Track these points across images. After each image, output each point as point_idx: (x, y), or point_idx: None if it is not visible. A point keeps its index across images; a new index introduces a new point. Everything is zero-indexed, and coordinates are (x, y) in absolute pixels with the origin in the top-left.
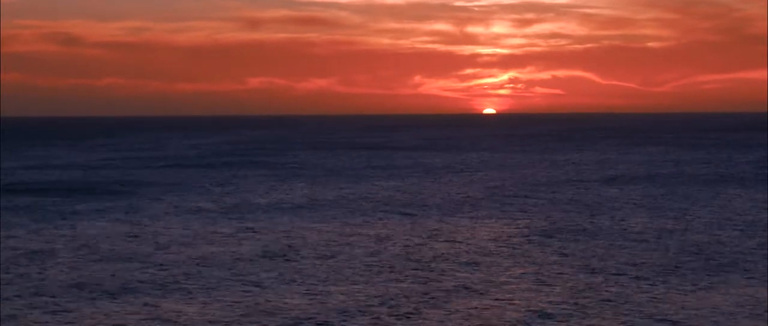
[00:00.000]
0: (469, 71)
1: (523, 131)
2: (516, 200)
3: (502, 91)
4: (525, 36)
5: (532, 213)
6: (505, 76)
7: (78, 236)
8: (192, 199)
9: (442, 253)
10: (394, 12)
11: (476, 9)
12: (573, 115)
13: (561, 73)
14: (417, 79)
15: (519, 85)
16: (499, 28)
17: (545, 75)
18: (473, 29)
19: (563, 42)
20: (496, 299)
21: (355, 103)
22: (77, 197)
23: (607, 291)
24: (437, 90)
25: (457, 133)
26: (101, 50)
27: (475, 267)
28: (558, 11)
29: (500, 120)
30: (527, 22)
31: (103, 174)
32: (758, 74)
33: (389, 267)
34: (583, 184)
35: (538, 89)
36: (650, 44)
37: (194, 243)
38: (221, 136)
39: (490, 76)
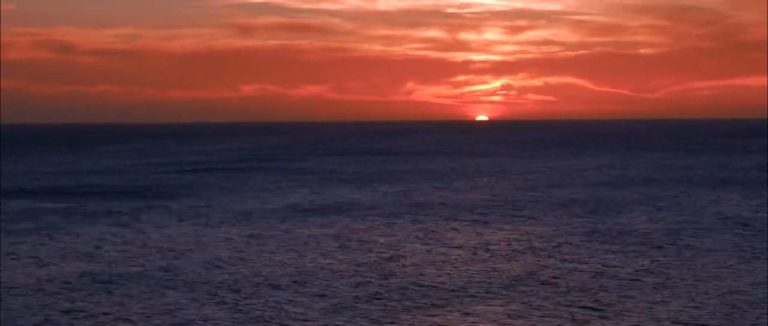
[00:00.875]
0: (461, 78)
1: (525, 137)
2: (551, 203)
3: (494, 98)
4: (517, 43)
5: (560, 215)
6: (497, 83)
7: (150, 239)
8: (241, 203)
9: (505, 255)
10: (386, 19)
11: (468, 16)
12: (566, 121)
13: (553, 79)
14: (409, 85)
15: (511, 92)
16: (491, 34)
17: (538, 81)
18: (465, 36)
19: (555, 49)
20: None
21: (348, 110)
22: (126, 201)
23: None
24: (430, 97)
25: (460, 139)
26: (95, 57)
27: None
28: (550, 18)
29: (495, 127)
30: (519, 29)
31: (137, 178)
32: (752, 81)
33: (484, 271)
34: (599, 188)
35: (531, 96)
36: (643, 51)
37: (273, 246)
38: (227, 142)
39: (483, 82)
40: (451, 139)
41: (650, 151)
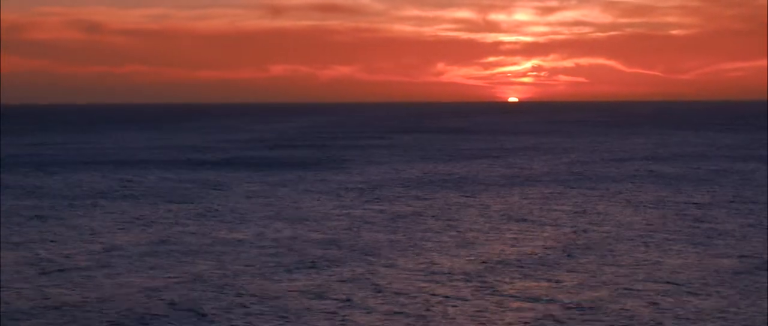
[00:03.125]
0: (492, 59)
1: (566, 117)
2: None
3: (525, 79)
4: (548, 24)
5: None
6: (528, 64)
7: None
8: (380, 174)
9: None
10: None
11: None
12: (598, 102)
13: (584, 60)
14: (440, 66)
15: (542, 73)
16: (521, 15)
17: (568, 63)
18: (496, 17)
19: (586, 30)
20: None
21: (379, 91)
22: (293, 171)
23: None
24: (460, 78)
25: (507, 118)
26: (123, 37)
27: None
28: None
29: (529, 108)
30: (550, 10)
31: (260, 153)
32: None
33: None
34: (665, 162)
35: (562, 77)
36: (674, 32)
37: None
38: (289, 121)
39: (514, 63)
40: (497, 119)
41: (692, 130)
